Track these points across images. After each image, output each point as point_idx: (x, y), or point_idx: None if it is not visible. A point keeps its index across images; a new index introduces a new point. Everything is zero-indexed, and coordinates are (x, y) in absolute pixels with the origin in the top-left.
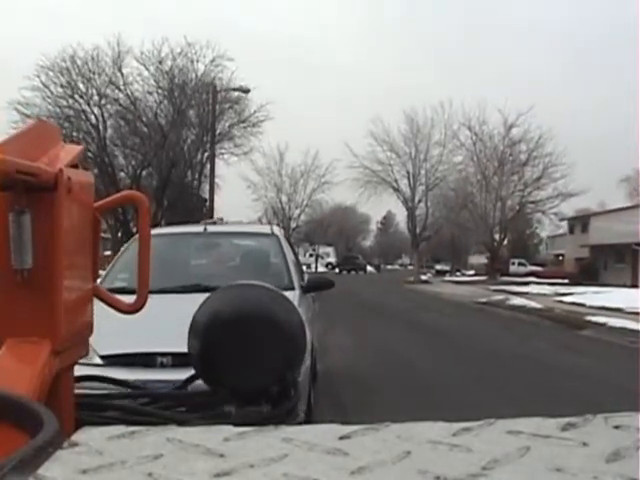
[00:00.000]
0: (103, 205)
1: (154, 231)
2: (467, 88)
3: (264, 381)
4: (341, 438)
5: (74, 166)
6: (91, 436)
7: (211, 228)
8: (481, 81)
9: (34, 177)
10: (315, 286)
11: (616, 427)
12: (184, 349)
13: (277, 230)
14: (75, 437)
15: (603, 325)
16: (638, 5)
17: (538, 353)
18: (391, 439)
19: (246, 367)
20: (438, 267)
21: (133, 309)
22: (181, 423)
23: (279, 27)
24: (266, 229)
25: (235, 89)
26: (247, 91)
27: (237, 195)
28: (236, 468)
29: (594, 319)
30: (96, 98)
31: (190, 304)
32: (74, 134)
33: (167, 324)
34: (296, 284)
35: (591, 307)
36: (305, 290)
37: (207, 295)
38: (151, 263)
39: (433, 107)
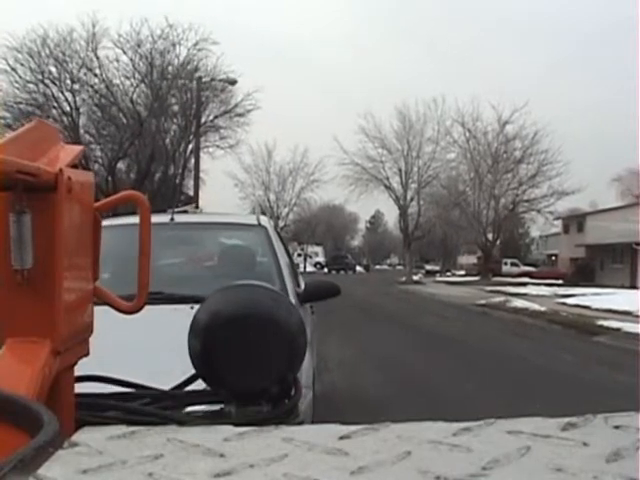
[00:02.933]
0: (103, 205)
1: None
2: (460, 84)
3: (264, 381)
4: (341, 438)
5: (74, 166)
6: (91, 436)
7: (180, 218)
8: (475, 77)
9: (34, 177)
10: (315, 294)
11: (616, 427)
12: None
13: (265, 221)
14: (75, 437)
15: (618, 330)
16: (638, 2)
17: (566, 367)
18: (391, 439)
19: (246, 367)
20: (428, 267)
21: (133, 309)
22: (181, 423)
23: (267, 21)
24: (251, 219)
25: (221, 80)
26: (234, 82)
27: (224, 193)
28: (236, 468)
29: (606, 324)
30: (68, 82)
31: (147, 322)
32: None
33: (114, 352)
34: (290, 291)
35: (597, 310)
36: (302, 299)
37: (172, 307)
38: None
39: (426, 102)
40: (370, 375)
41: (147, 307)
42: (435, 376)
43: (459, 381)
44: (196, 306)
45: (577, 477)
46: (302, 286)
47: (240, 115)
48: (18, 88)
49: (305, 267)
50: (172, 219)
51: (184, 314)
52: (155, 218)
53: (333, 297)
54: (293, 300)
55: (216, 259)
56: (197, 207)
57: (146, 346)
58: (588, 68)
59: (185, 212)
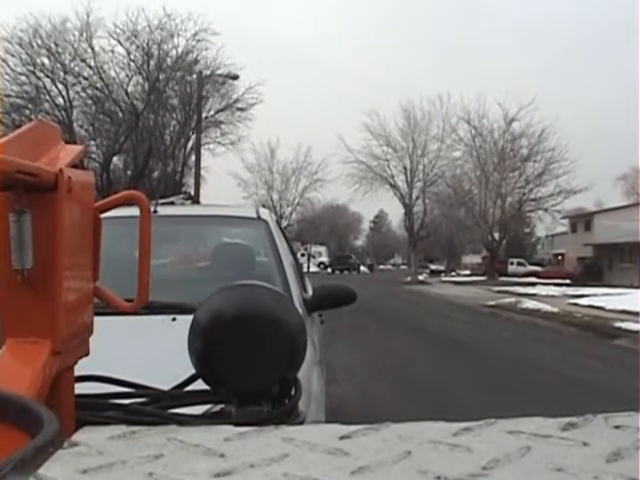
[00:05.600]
0: (103, 205)
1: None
2: (466, 81)
3: (265, 381)
4: (341, 438)
5: (74, 166)
6: (91, 436)
7: (165, 210)
8: (480, 75)
9: (34, 177)
10: (326, 301)
11: (616, 427)
12: None
13: (266, 214)
14: (75, 437)
15: (637, 333)
16: (638, 2)
17: (594, 376)
18: (392, 439)
19: (247, 367)
20: (433, 267)
21: (134, 309)
22: (181, 423)
23: (268, 19)
24: (249, 212)
25: (221, 75)
26: (235, 77)
27: (227, 192)
28: (236, 468)
29: (624, 325)
30: (61, 74)
31: (121, 336)
32: (37, 116)
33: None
34: (296, 298)
35: (611, 311)
36: (311, 307)
37: (151, 318)
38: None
39: (431, 100)
40: (382, 387)
41: (121, 318)
42: (454, 389)
43: (482, 395)
44: (180, 317)
45: (577, 477)
46: (309, 291)
47: (242, 110)
48: (9, 80)
49: (309, 267)
50: (155, 211)
51: (165, 326)
52: (136, 210)
53: (347, 305)
54: (300, 309)
55: (207, 259)
56: (188, 198)
57: (117, 365)
58: (593, 66)
59: (172, 203)
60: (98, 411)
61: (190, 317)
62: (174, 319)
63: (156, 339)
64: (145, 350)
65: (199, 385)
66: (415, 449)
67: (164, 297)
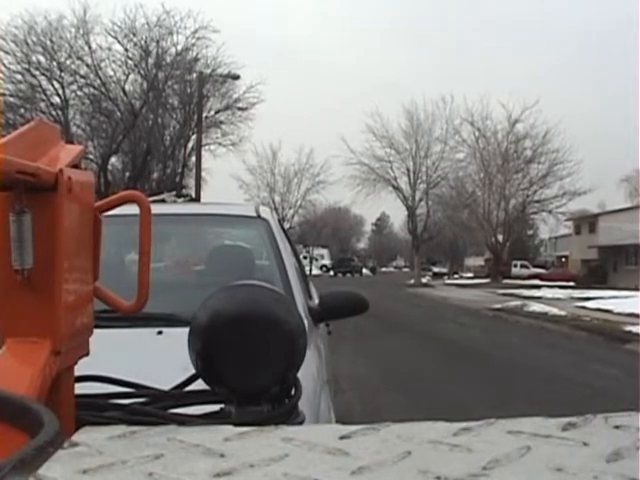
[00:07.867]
0: (103, 205)
1: None
2: (469, 83)
3: (265, 381)
4: (341, 438)
5: (74, 166)
6: (91, 436)
7: (158, 209)
8: (484, 76)
9: (34, 177)
10: (334, 310)
11: (616, 427)
12: None
13: (267, 212)
14: (75, 437)
15: None
16: (638, 4)
17: (616, 385)
18: (391, 439)
19: (247, 367)
20: (436, 269)
21: (134, 310)
22: (181, 423)
23: (270, 20)
24: (249, 210)
25: (222, 75)
26: (236, 77)
27: (228, 195)
28: (236, 468)
29: (634, 329)
30: (57, 72)
31: (98, 353)
32: (32, 115)
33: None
34: (300, 305)
35: (620, 314)
36: (317, 317)
37: (132, 331)
38: None
39: (434, 101)
40: (390, 399)
41: (116, 331)
42: (466, 400)
43: (496, 409)
44: (166, 330)
45: (577, 477)
46: (315, 298)
47: (243, 109)
48: (3, 79)
49: (311, 270)
50: None
51: (148, 341)
52: (126, 209)
53: (358, 314)
54: (305, 319)
55: (201, 263)
56: (180, 195)
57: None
58: (597, 67)
59: (163, 201)
60: (98, 411)
61: (178, 330)
62: (160, 332)
63: (136, 356)
64: (123, 369)
65: (199, 385)
66: (415, 449)
67: (149, 306)
